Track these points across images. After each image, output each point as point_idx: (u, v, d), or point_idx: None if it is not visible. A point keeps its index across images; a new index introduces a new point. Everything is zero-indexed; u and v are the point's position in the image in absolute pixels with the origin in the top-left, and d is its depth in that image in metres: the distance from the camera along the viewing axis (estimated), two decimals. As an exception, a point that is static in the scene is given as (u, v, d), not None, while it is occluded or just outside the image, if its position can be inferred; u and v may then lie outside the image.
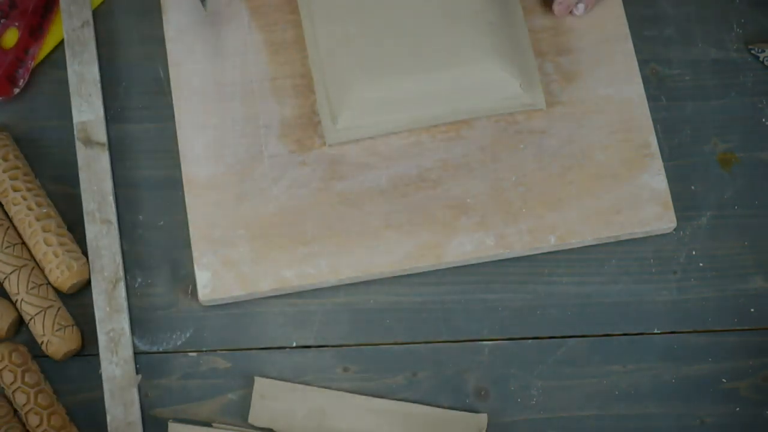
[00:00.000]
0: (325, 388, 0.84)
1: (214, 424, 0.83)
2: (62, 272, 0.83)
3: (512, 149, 0.86)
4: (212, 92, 0.87)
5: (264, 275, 0.83)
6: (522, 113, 0.86)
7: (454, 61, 0.84)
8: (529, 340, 0.85)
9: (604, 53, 0.88)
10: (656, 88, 0.90)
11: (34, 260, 0.85)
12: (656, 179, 0.86)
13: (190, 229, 0.84)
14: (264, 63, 0.88)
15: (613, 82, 0.87)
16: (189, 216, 0.84)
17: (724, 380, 0.85)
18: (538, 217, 0.84)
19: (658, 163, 0.86)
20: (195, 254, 0.83)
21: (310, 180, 0.85)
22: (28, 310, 0.83)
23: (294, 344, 0.85)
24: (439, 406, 0.84)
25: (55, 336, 0.82)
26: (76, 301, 0.86)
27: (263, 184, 0.85)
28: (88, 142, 0.87)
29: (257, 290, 0.83)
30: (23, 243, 0.85)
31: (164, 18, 0.89)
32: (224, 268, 0.83)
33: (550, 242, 0.84)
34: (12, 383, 0.81)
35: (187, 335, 0.85)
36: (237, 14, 0.88)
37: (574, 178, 0.85)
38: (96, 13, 0.91)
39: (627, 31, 0.88)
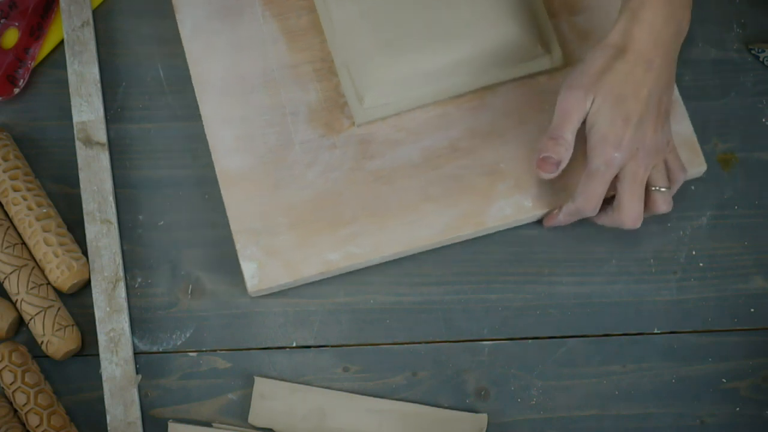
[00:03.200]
0: (325, 388, 0.84)
1: (214, 424, 0.83)
2: (62, 272, 0.83)
3: (537, 110, 0.86)
4: (235, 85, 0.87)
5: (309, 260, 0.83)
6: (543, 74, 0.87)
7: (471, 29, 0.85)
8: (529, 340, 0.85)
9: (615, 10, 0.87)
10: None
11: (34, 260, 0.85)
12: (682, 125, 0.86)
13: (231, 222, 0.84)
14: (283, 51, 0.88)
15: None
16: (228, 210, 0.84)
17: (724, 380, 0.85)
18: (571, 173, 0.83)
19: (682, 110, 0.86)
20: (238, 246, 0.83)
21: (342, 162, 0.85)
22: (28, 310, 0.83)
23: (294, 344, 0.85)
24: (439, 406, 0.84)
25: (55, 336, 0.82)
26: (76, 301, 0.86)
27: (297, 170, 0.85)
28: (88, 142, 0.87)
29: (304, 275, 0.83)
30: (23, 243, 0.85)
31: (178, 18, 0.88)
32: (268, 257, 0.83)
33: None
34: (12, 383, 0.81)
35: (187, 335, 0.85)
36: (250, 5, 0.89)
37: None
38: (96, 13, 0.91)
39: None
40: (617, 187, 0.79)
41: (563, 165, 0.79)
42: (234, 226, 0.84)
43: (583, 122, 0.78)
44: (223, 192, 0.85)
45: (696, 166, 0.86)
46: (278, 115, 0.86)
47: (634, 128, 0.77)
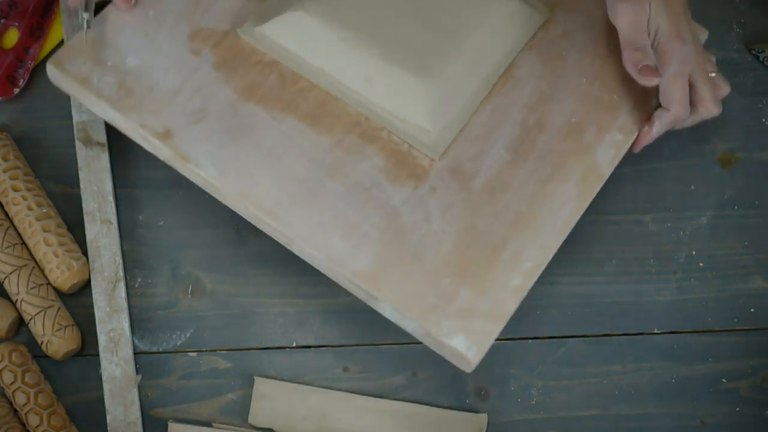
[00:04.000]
0: (325, 388, 0.84)
1: (214, 424, 0.83)
2: (62, 272, 0.83)
3: (561, 59, 0.86)
4: (301, 194, 0.80)
5: (499, 297, 0.77)
6: (540, 30, 0.86)
7: (469, 25, 0.84)
8: (529, 340, 0.85)
9: None
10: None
11: (34, 260, 0.85)
12: None
13: (408, 314, 0.77)
14: (317, 137, 0.82)
15: None
16: (397, 306, 0.77)
17: (724, 380, 0.85)
18: (632, 93, 0.84)
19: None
20: (434, 331, 0.76)
21: (452, 197, 0.80)
22: (28, 310, 0.83)
23: (294, 344, 0.85)
24: (439, 406, 0.84)
25: (55, 336, 0.82)
26: (76, 301, 0.86)
27: (422, 230, 0.79)
28: (88, 142, 0.87)
29: (509, 312, 0.77)
30: (23, 243, 0.85)
31: (195, 165, 0.81)
32: (468, 321, 0.76)
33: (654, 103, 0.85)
34: (12, 383, 0.81)
35: (187, 335, 0.85)
36: (252, 116, 0.82)
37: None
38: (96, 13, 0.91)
39: None
40: (692, 83, 0.82)
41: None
42: (415, 315, 0.76)
43: None
44: (379, 295, 0.78)
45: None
46: (363, 196, 0.80)
47: (686, 20, 0.81)
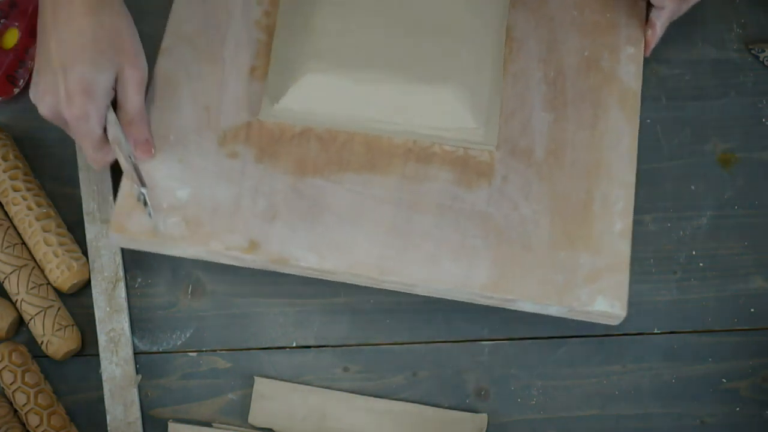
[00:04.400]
0: (325, 388, 0.84)
1: (214, 424, 0.83)
2: (62, 272, 0.83)
3: (544, 3, 0.87)
4: None
5: (610, 252, 0.81)
6: (473, 147, 0.84)
7: (455, 10, 0.84)
8: (529, 340, 0.85)
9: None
10: (656, 88, 0.90)
11: (34, 260, 0.85)
12: None
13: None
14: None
15: None
16: None
17: (724, 380, 0.85)
18: (621, 5, 0.87)
19: None
20: (575, 304, 0.79)
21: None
22: (28, 310, 0.83)
23: (294, 344, 0.85)
24: (439, 406, 0.84)
25: (55, 336, 0.82)
26: (76, 301, 0.86)
27: None
28: (88, 142, 0.87)
29: (626, 258, 0.81)
30: (23, 243, 0.85)
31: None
32: (599, 283, 0.80)
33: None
34: (12, 383, 0.81)
35: (187, 335, 0.85)
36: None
37: None
38: (96, 13, 0.91)
39: None
40: None
41: None
42: (553, 300, 0.79)
43: None
44: None
45: None
46: (450, 213, 0.81)
47: None
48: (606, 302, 0.79)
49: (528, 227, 0.81)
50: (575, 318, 0.80)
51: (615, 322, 0.80)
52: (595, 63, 0.85)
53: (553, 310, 0.79)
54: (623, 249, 0.80)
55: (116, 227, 0.80)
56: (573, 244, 0.80)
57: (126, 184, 0.81)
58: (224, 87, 0.84)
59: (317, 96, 0.82)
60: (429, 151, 0.83)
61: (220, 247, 0.79)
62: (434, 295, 0.80)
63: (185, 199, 0.81)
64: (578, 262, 0.80)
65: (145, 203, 0.79)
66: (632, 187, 0.82)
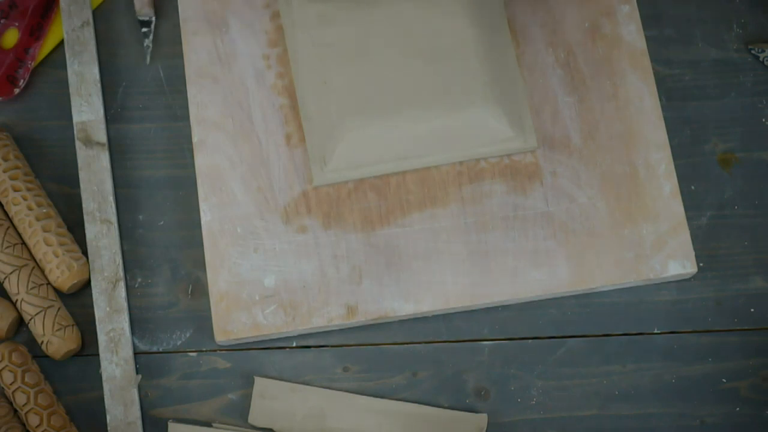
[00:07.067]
0: (325, 388, 0.84)
1: (214, 424, 0.83)
2: (62, 272, 0.83)
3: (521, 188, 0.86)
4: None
5: (667, 215, 0.85)
6: (517, 154, 0.86)
7: (450, 98, 0.84)
8: (529, 340, 0.85)
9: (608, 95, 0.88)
10: (656, 88, 0.90)
11: (34, 260, 0.85)
12: None
13: None
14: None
15: None
16: None
17: (724, 380, 0.85)
18: None
19: None
20: (652, 275, 0.84)
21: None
22: (28, 310, 0.83)
23: (294, 344, 0.85)
24: (439, 406, 0.84)
25: (55, 336, 0.82)
26: (76, 301, 0.86)
27: None
28: (88, 142, 0.88)
29: (683, 218, 0.85)
30: (23, 243, 0.85)
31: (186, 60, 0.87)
32: (666, 249, 0.84)
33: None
34: (12, 383, 0.81)
35: (187, 335, 0.85)
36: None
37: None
38: (96, 13, 0.91)
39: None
40: None
41: None
42: (631, 276, 0.83)
43: None
44: None
45: None
46: (517, 224, 0.84)
47: None
48: (678, 264, 0.83)
49: (588, 213, 0.84)
50: (648, 283, 0.84)
51: (687, 278, 0.84)
52: (598, 31, 0.87)
53: (631, 284, 0.84)
54: (677, 209, 0.84)
55: (222, 334, 0.82)
56: (633, 218, 0.84)
57: (215, 292, 0.83)
58: (268, 163, 0.85)
59: (362, 149, 0.84)
60: (477, 168, 0.85)
61: (323, 322, 0.82)
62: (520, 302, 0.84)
63: (273, 286, 0.82)
64: (642, 234, 0.83)
65: (146, 35, 0.79)
66: (668, 147, 0.85)
